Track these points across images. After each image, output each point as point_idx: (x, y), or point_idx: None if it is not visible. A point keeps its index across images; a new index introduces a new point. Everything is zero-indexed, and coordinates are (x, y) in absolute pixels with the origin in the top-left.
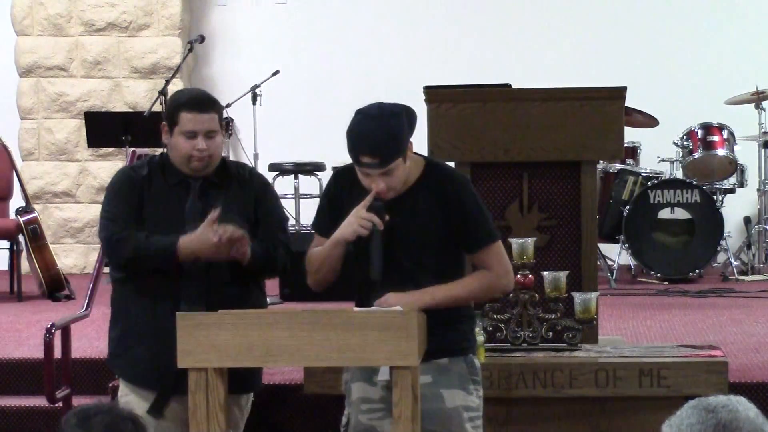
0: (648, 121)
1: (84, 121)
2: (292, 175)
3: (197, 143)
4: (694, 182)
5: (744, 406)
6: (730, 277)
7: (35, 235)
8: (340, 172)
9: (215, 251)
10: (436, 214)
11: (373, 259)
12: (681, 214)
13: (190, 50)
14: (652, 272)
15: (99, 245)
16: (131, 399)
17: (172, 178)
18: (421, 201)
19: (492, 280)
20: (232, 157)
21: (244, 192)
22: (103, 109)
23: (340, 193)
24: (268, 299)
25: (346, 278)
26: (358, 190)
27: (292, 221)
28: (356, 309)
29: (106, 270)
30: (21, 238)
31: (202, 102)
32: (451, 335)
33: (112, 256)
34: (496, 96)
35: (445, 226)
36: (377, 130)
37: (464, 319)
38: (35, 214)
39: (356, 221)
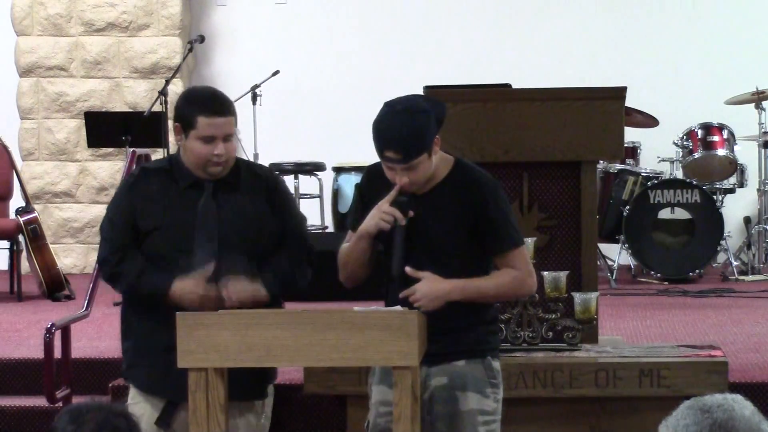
0: (648, 121)
1: (84, 121)
2: (292, 175)
3: (215, 148)
4: (694, 182)
5: (740, 405)
6: (730, 277)
7: (35, 235)
8: (372, 169)
9: (203, 303)
10: (461, 213)
11: (394, 254)
12: (681, 214)
13: (190, 50)
14: (652, 272)
15: (98, 245)
16: (140, 407)
17: (183, 181)
18: (447, 199)
19: (520, 279)
20: None
21: (256, 191)
22: (103, 109)
23: (372, 190)
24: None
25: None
26: (392, 190)
27: None
28: (356, 309)
29: None
30: (21, 238)
31: (220, 105)
32: (469, 337)
33: (108, 283)
34: (496, 96)
35: (469, 226)
36: (402, 125)
37: (484, 321)
38: (35, 214)
39: (378, 215)
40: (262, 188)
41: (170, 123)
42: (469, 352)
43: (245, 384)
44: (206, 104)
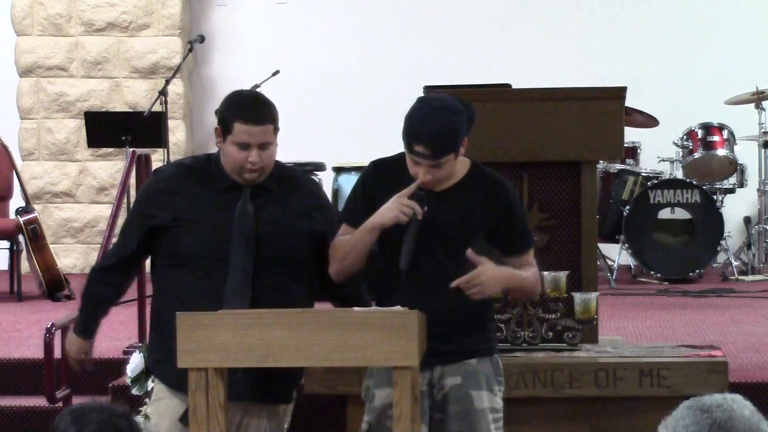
0: (648, 121)
1: (84, 121)
2: None
3: (250, 155)
4: (694, 182)
5: (739, 405)
6: (730, 277)
7: (35, 235)
8: (379, 165)
9: (76, 363)
10: (480, 212)
11: (404, 247)
12: (681, 214)
13: (190, 50)
14: (652, 272)
15: (99, 245)
16: (165, 403)
17: (221, 183)
18: (465, 197)
19: (538, 277)
20: None
21: (296, 198)
22: (103, 109)
23: (377, 186)
24: None
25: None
26: (399, 186)
27: None
28: (356, 309)
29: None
30: (21, 238)
31: (258, 113)
32: (479, 336)
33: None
34: (496, 96)
35: (486, 225)
36: (437, 122)
37: (490, 320)
38: (35, 214)
39: (397, 207)
40: (301, 195)
41: (170, 123)
42: (480, 351)
43: (273, 386)
44: (244, 110)
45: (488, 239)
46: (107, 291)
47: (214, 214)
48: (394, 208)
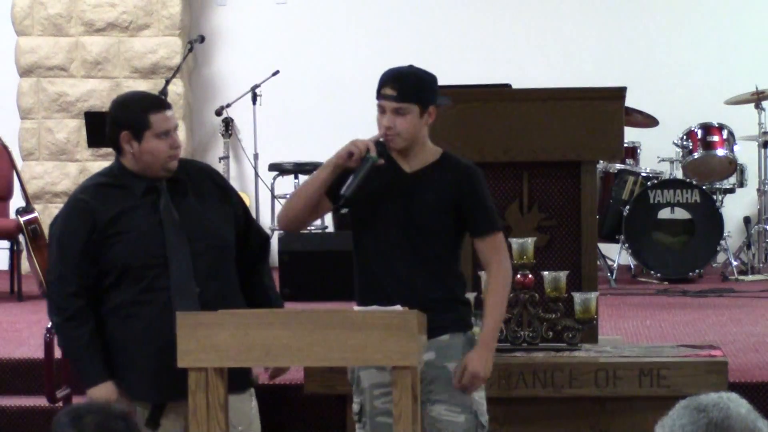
0: (648, 121)
1: (84, 121)
2: (292, 175)
3: (171, 141)
4: (694, 182)
5: (735, 403)
6: (730, 277)
7: (35, 235)
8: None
9: None
10: (447, 192)
11: (351, 177)
12: (681, 214)
13: (190, 50)
14: (652, 272)
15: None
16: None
17: (138, 188)
18: (435, 178)
19: (501, 271)
20: (231, 157)
21: (207, 185)
22: (103, 109)
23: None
24: None
25: (348, 277)
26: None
27: None
28: (356, 309)
29: None
30: (21, 238)
31: (162, 100)
32: (450, 315)
33: (53, 325)
34: (496, 96)
35: (455, 207)
36: (404, 69)
37: (460, 303)
38: (35, 214)
39: (352, 142)
40: (213, 179)
41: None
42: (452, 327)
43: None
44: (151, 103)
45: (457, 222)
46: (87, 326)
47: (141, 221)
48: (348, 145)
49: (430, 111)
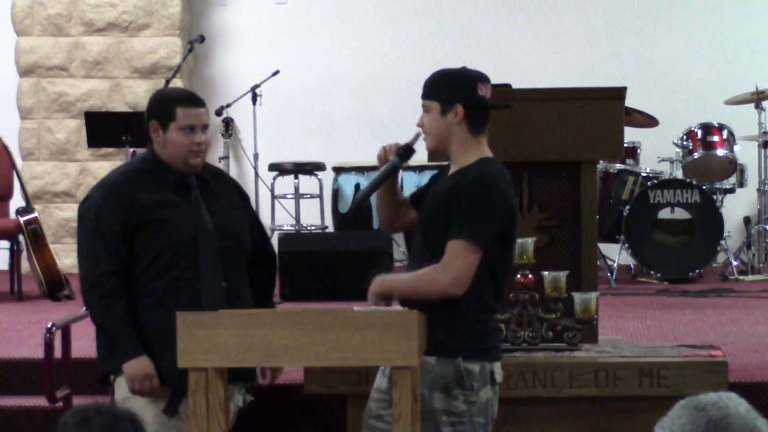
0: (648, 121)
1: (84, 121)
2: (292, 175)
3: (196, 137)
4: (694, 182)
5: (734, 403)
6: (730, 277)
7: (35, 235)
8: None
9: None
10: (444, 198)
11: (362, 189)
12: (681, 214)
13: (190, 50)
14: (652, 272)
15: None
16: (143, 399)
17: (170, 179)
18: (448, 183)
19: (432, 273)
20: (231, 157)
21: (228, 189)
22: (103, 109)
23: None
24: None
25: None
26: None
27: (292, 221)
28: (356, 309)
29: None
30: (21, 238)
31: (196, 97)
32: (438, 334)
33: (89, 298)
34: (496, 96)
35: (445, 212)
36: (444, 68)
37: (458, 317)
38: (35, 214)
39: (382, 148)
40: (231, 183)
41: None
42: (440, 350)
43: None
44: (183, 96)
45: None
46: (123, 305)
47: (175, 212)
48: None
49: (456, 110)
